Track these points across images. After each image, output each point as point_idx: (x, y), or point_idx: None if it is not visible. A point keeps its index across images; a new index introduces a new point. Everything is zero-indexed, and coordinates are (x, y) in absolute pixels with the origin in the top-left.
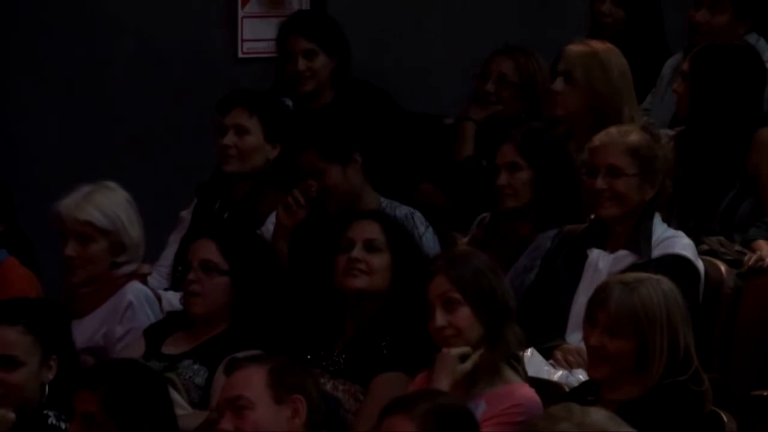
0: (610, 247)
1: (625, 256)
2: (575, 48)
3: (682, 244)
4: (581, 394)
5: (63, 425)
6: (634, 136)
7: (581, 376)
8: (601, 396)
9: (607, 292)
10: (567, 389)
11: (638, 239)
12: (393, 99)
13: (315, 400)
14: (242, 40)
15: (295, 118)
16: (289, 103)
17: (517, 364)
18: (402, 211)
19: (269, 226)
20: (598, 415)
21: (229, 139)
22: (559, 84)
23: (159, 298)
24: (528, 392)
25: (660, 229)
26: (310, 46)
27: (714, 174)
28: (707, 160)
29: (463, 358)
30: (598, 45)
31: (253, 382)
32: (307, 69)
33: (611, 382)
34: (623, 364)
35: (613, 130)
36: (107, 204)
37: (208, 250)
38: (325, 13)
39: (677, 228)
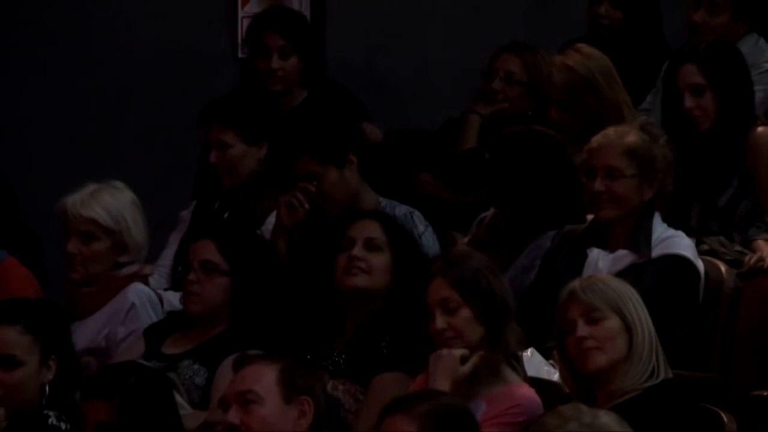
0: (609, 247)
1: (624, 256)
2: (560, 75)
3: (682, 244)
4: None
5: (63, 425)
6: (632, 137)
7: None
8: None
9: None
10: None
11: (638, 239)
12: (363, 104)
13: (321, 404)
14: (242, 40)
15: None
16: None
17: (517, 364)
18: (401, 210)
19: (269, 226)
20: (606, 417)
21: (214, 156)
22: (555, 112)
23: (161, 300)
24: (528, 392)
25: (660, 229)
26: (285, 44)
27: (713, 174)
28: (706, 160)
29: (463, 360)
30: (574, 59)
31: (264, 378)
32: (280, 68)
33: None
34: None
35: (610, 131)
36: (113, 204)
37: (208, 251)
38: (298, 12)
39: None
